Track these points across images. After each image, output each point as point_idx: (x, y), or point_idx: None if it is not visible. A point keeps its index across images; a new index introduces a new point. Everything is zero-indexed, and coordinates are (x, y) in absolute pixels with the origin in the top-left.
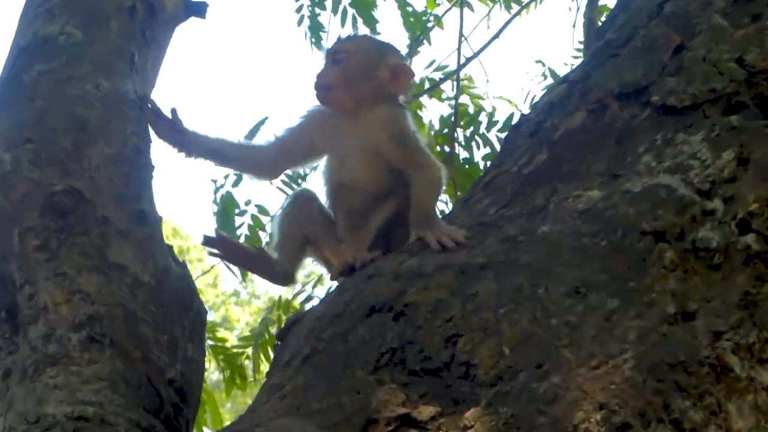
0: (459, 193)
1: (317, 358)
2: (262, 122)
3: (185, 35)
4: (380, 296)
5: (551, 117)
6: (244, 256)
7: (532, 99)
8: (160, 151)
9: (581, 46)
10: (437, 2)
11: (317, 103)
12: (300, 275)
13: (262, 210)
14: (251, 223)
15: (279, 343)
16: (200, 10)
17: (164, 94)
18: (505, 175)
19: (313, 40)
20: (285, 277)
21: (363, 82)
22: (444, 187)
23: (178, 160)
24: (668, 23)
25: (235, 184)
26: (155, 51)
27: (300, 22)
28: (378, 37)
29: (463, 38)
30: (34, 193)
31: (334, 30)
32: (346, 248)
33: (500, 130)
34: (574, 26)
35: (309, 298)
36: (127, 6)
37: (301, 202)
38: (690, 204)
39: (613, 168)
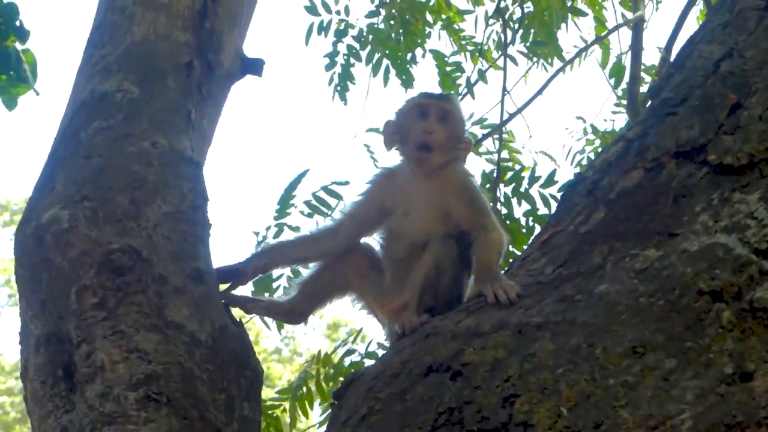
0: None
1: (374, 418)
2: (303, 175)
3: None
4: (438, 356)
5: (608, 175)
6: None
7: (573, 155)
8: (216, 208)
9: (619, 102)
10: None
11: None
12: (317, 322)
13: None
14: (291, 275)
15: (335, 402)
16: (257, 68)
17: (220, 150)
18: (562, 234)
19: (339, 88)
20: (298, 316)
21: (453, 147)
22: (505, 250)
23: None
24: (724, 82)
25: (277, 235)
26: (212, 108)
27: (330, 67)
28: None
29: (506, 93)
30: (91, 251)
31: (364, 81)
32: (396, 305)
33: (542, 186)
34: (611, 83)
35: (349, 352)
36: (184, 63)
37: (354, 256)
38: (747, 264)
39: (670, 227)
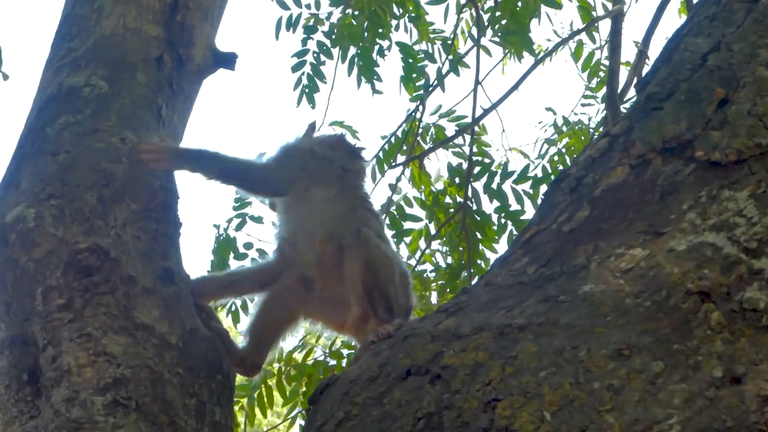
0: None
1: (350, 424)
2: (260, 156)
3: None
4: (416, 358)
5: (592, 172)
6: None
7: (544, 149)
8: (185, 206)
9: (591, 94)
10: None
11: None
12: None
13: (263, 255)
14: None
15: (310, 407)
16: (229, 62)
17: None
18: (545, 233)
19: (306, 90)
20: (251, 368)
21: None
22: None
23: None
24: (712, 76)
25: (239, 227)
26: (183, 103)
27: (298, 68)
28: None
29: (478, 84)
30: (57, 250)
31: (340, 80)
32: (354, 320)
33: (515, 182)
34: (584, 77)
35: (311, 351)
36: (154, 57)
37: (286, 281)
38: (736, 263)
39: (656, 225)
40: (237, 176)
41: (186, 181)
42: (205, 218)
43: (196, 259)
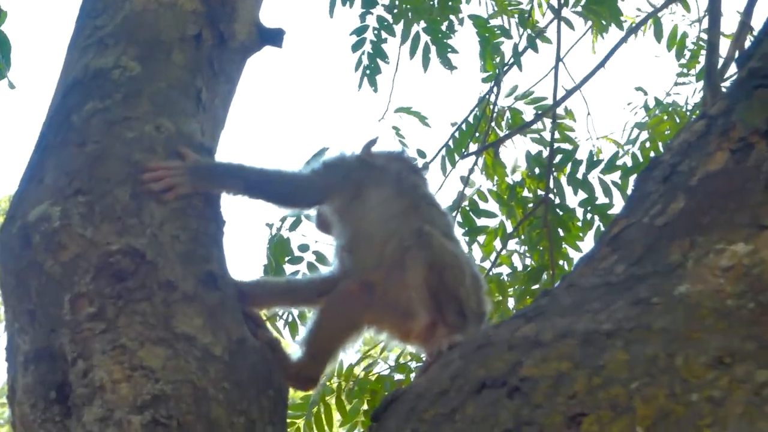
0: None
1: None
2: (321, 152)
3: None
4: (492, 369)
5: (688, 158)
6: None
7: (633, 133)
8: (231, 202)
9: (685, 72)
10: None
11: None
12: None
13: (320, 258)
14: (307, 272)
15: (374, 424)
16: (276, 38)
17: (234, 133)
18: (635, 227)
19: (368, 72)
20: (306, 381)
21: None
22: None
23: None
24: None
25: (293, 227)
26: (225, 85)
27: (358, 47)
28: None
29: (560, 61)
30: (87, 253)
31: (393, 55)
32: (421, 327)
33: (602, 172)
34: (679, 50)
35: (373, 364)
36: (191, 35)
37: (348, 286)
38: None
39: (761, 218)
40: (264, 189)
41: None
42: (253, 215)
43: (243, 263)
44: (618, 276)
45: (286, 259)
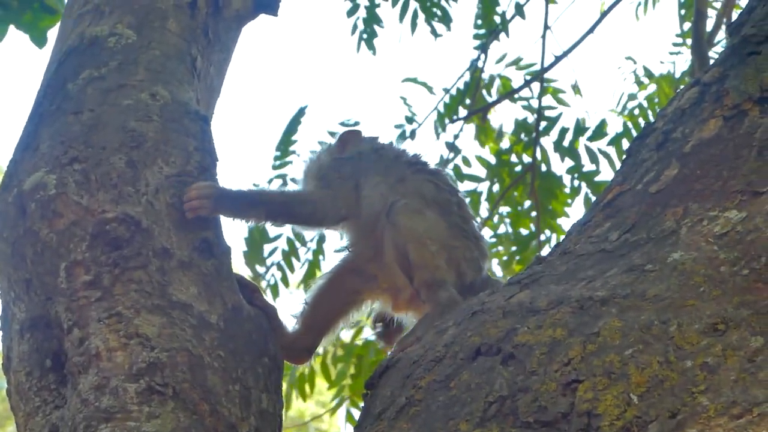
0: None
1: (414, 410)
2: (301, 112)
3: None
4: (486, 336)
5: (681, 125)
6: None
7: (624, 102)
8: (227, 169)
9: (680, 40)
10: None
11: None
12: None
13: (298, 235)
14: (286, 248)
15: (368, 392)
16: (271, 6)
17: (229, 102)
18: (629, 194)
19: (365, 36)
20: (300, 352)
21: None
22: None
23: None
24: None
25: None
26: (220, 53)
27: (352, 12)
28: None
29: (547, 29)
30: (82, 221)
31: (393, 24)
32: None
33: (590, 139)
34: (681, 17)
35: (361, 329)
36: (187, 2)
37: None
38: None
39: (754, 184)
40: (286, 215)
41: (224, 141)
42: (247, 181)
43: (238, 229)
44: (612, 243)
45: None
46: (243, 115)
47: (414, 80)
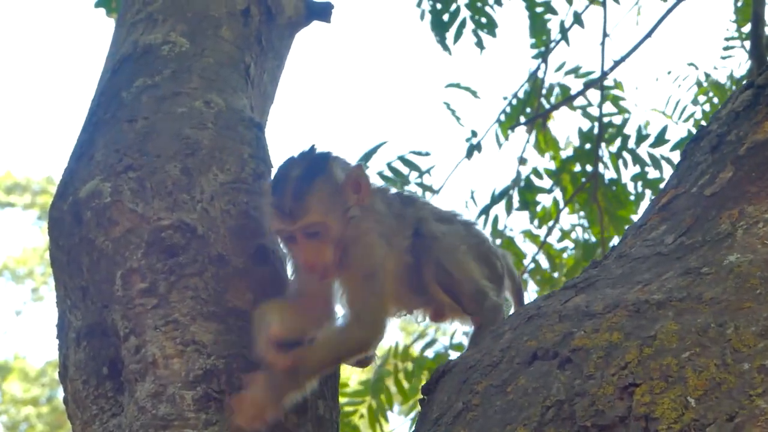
0: (605, 220)
1: (471, 415)
2: (378, 146)
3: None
4: (543, 340)
5: (735, 128)
6: None
7: (682, 107)
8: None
9: (733, 44)
10: None
11: None
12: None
13: None
14: None
15: (425, 397)
16: (324, 13)
17: (282, 109)
18: (684, 197)
19: (438, 38)
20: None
21: (345, 221)
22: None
23: None
24: None
25: None
26: (273, 60)
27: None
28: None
29: (606, 36)
30: (138, 228)
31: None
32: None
33: (652, 145)
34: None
35: (431, 343)
36: (240, 10)
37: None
38: None
39: None
40: (338, 360)
41: (278, 148)
42: None
43: None
44: (668, 246)
45: None
46: (296, 123)
47: (457, 85)
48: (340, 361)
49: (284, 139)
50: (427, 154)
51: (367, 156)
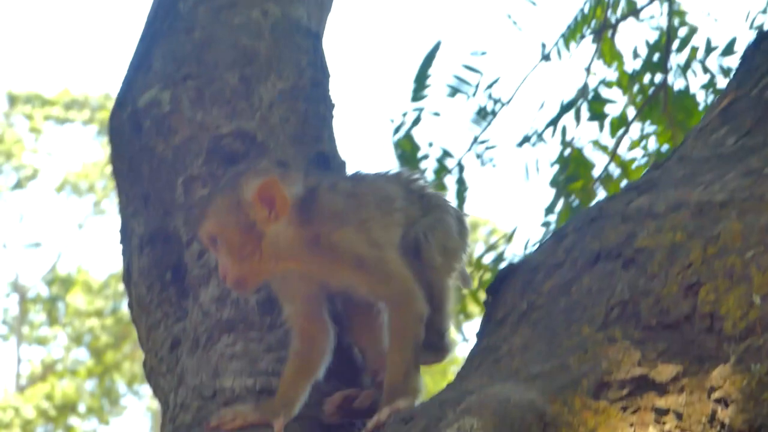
0: (675, 130)
1: (536, 315)
2: (436, 48)
3: None
4: (606, 241)
5: None
6: None
7: (752, 16)
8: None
9: None
10: None
11: None
12: None
13: (446, 153)
14: (436, 166)
15: (490, 298)
16: None
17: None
18: (744, 100)
19: None
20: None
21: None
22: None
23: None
24: None
25: (415, 122)
26: None
27: None
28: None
29: None
30: (198, 136)
31: None
32: None
33: (721, 55)
34: None
35: (500, 258)
36: None
37: None
38: None
39: None
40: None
41: (334, 58)
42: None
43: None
44: (729, 147)
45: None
46: (352, 34)
47: None
48: (419, 345)
49: (340, 48)
50: (484, 53)
51: (427, 61)
